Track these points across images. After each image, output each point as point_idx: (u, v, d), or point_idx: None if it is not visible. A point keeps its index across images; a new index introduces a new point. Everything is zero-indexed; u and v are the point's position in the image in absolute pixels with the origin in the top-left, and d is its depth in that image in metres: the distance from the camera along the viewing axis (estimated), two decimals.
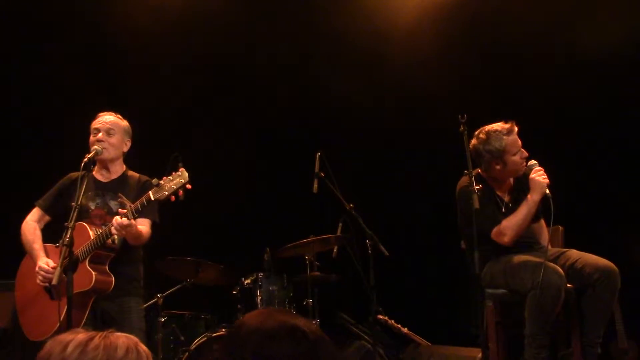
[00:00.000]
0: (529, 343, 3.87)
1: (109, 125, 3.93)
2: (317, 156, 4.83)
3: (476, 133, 4.15)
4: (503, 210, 4.16)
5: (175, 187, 3.42)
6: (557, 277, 3.79)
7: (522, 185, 4.17)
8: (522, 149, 4.10)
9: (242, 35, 6.19)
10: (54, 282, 3.37)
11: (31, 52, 5.95)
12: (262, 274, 5.18)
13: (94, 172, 3.96)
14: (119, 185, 3.91)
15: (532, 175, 4.03)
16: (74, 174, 3.95)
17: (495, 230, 4.05)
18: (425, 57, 5.95)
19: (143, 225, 3.73)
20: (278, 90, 6.28)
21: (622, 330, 4.38)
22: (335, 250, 5.33)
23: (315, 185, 4.76)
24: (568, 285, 3.96)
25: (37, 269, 3.74)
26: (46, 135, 5.91)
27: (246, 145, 6.28)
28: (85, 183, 3.59)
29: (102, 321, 3.75)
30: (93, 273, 3.61)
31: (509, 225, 4.02)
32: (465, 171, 3.89)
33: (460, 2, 5.92)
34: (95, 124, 3.95)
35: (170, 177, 3.45)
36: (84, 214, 3.78)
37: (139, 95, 6.02)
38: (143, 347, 1.53)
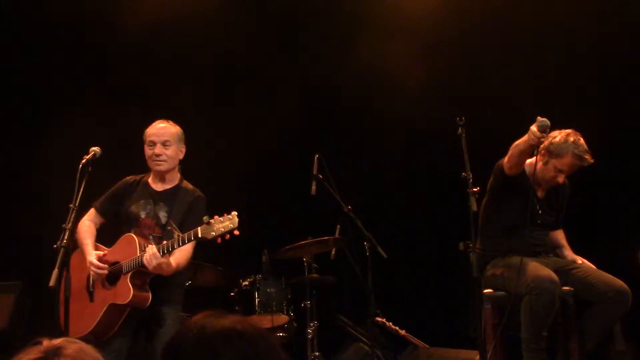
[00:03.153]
0: (525, 347, 3.89)
1: (166, 137, 3.86)
2: (316, 158, 4.83)
3: (570, 131, 4.10)
4: (538, 206, 4.17)
5: (224, 230, 3.41)
6: (551, 284, 3.81)
7: (557, 189, 4.27)
8: (563, 176, 4.09)
9: (242, 33, 6.18)
10: (51, 283, 3.37)
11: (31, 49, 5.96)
12: (260, 276, 5.19)
13: (149, 180, 3.94)
14: (171, 196, 3.87)
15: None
16: (129, 178, 4.00)
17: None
18: (424, 57, 5.95)
19: (183, 251, 3.67)
20: (277, 92, 6.28)
21: (620, 332, 4.38)
22: (333, 253, 5.33)
23: (314, 187, 4.76)
24: (568, 288, 3.99)
25: (87, 263, 3.76)
26: (42, 137, 5.89)
27: (244, 146, 6.27)
28: (83, 186, 3.57)
29: (138, 326, 3.77)
30: (132, 290, 3.60)
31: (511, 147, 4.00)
32: (463, 174, 3.90)
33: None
34: (151, 135, 3.88)
35: (221, 219, 3.43)
36: (133, 222, 3.81)
37: (137, 94, 6.02)
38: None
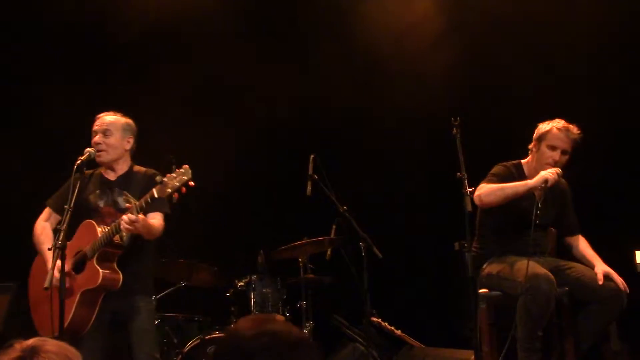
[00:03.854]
0: (520, 346, 3.89)
1: (106, 126, 3.89)
2: (311, 158, 4.84)
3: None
4: (536, 206, 4.18)
5: (178, 184, 3.41)
6: (547, 284, 3.81)
7: (554, 193, 4.23)
8: (559, 153, 4.11)
9: (240, 34, 6.18)
10: (46, 284, 3.38)
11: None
12: (255, 276, 5.18)
13: (101, 171, 3.96)
14: (125, 182, 3.90)
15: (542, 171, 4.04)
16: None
17: (482, 184, 4.10)
18: (419, 59, 5.96)
19: (154, 219, 3.73)
20: (273, 91, 6.27)
21: (615, 332, 4.39)
22: (329, 253, 5.34)
23: (309, 188, 4.76)
24: (565, 288, 4.00)
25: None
26: (41, 138, 5.88)
27: (240, 147, 6.27)
28: (77, 187, 3.59)
29: (112, 320, 3.77)
30: (100, 271, 3.61)
31: (492, 187, 4.05)
32: (458, 174, 3.90)
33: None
34: (94, 126, 3.92)
35: (174, 175, 3.44)
36: (93, 213, 3.80)
37: (135, 93, 6.01)
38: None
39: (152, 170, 3.93)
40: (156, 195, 3.47)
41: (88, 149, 3.79)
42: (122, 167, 3.96)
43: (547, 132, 4.15)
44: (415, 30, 5.95)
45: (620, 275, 4.05)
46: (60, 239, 3.38)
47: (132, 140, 3.96)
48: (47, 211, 3.99)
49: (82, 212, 3.80)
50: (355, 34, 6.14)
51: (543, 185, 3.95)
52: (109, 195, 3.88)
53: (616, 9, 5.51)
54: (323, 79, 6.14)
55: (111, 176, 3.95)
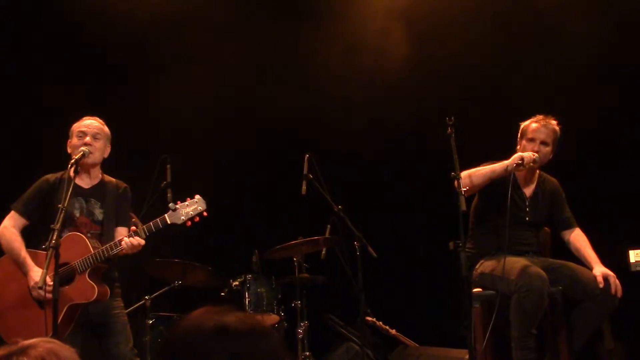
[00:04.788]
0: (515, 345, 3.90)
1: (96, 130, 3.93)
2: (306, 158, 4.84)
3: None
4: (527, 203, 4.22)
5: (193, 214, 3.60)
6: (540, 282, 3.82)
7: (545, 192, 4.30)
8: (538, 144, 4.18)
9: (235, 35, 6.17)
10: (40, 283, 3.37)
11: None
12: (250, 275, 5.18)
13: (73, 177, 3.85)
14: (99, 192, 3.93)
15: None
16: (50, 176, 3.93)
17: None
18: (415, 56, 5.96)
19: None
20: (267, 91, 6.27)
21: (609, 330, 4.40)
22: (323, 252, 5.34)
23: (304, 187, 4.76)
24: (559, 287, 4.00)
25: (32, 284, 3.69)
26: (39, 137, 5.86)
27: (234, 146, 6.27)
28: (72, 185, 3.57)
29: (83, 324, 3.77)
30: (95, 286, 3.65)
31: (472, 171, 4.12)
32: (452, 173, 3.91)
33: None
34: (81, 127, 3.92)
35: (187, 204, 3.59)
36: (68, 221, 3.75)
37: (128, 96, 6.00)
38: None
39: (123, 184, 4.03)
40: (169, 222, 3.61)
41: (82, 147, 3.79)
42: (97, 175, 3.98)
43: (526, 127, 4.27)
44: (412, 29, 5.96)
45: (616, 273, 4.06)
46: (55, 238, 3.35)
47: (109, 150, 4.01)
48: (13, 215, 3.90)
49: (55, 219, 3.73)
50: (353, 32, 6.14)
51: (519, 162, 4.02)
52: (84, 205, 3.87)
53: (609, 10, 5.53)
54: (320, 78, 6.14)
55: (84, 184, 3.93)
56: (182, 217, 3.57)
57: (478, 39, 5.84)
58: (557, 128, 4.25)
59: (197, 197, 3.61)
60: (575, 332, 4.03)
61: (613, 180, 5.45)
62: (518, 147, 4.31)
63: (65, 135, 4.01)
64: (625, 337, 4.70)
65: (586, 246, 4.27)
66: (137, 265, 4.70)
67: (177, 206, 3.57)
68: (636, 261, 4.39)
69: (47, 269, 3.32)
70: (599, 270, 4.03)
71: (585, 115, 5.34)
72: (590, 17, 5.45)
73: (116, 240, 3.70)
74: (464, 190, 3.84)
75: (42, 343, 1.50)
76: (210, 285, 5.40)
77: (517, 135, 4.34)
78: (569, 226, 4.39)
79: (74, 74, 5.90)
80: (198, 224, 5.99)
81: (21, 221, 3.89)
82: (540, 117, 4.27)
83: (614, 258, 4.40)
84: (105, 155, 4.00)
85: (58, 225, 3.39)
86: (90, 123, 3.95)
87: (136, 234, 3.65)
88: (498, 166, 4.09)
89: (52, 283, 3.37)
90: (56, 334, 3.35)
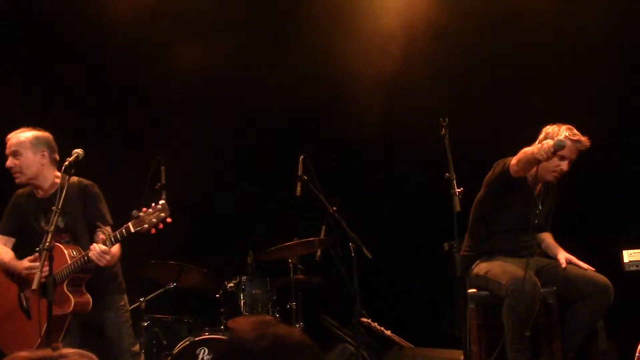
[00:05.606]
0: (509, 347, 3.91)
1: (14, 148, 3.82)
2: (301, 159, 4.84)
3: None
4: (540, 208, 4.18)
5: (156, 220, 3.44)
6: (530, 286, 3.82)
7: (550, 194, 4.27)
8: (567, 164, 4.01)
9: (229, 36, 6.17)
10: (34, 286, 3.36)
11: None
12: (245, 277, 5.16)
13: (33, 190, 3.90)
14: (55, 199, 3.70)
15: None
16: (20, 191, 3.95)
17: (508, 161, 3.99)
18: (411, 57, 5.97)
19: (115, 247, 3.68)
20: (261, 93, 6.27)
21: (603, 331, 4.41)
22: (318, 253, 5.34)
23: (299, 188, 4.76)
24: (549, 288, 4.01)
25: (25, 272, 3.71)
26: None
27: (229, 147, 6.26)
28: (67, 186, 3.54)
29: (85, 322, 3.77)
30: (72, 297, 3.61)
31: (518, 157, 3.89)
32: (447, 174, 3.91)
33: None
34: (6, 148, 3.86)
35: (151, 210, 3.46)
36: (39, 235, 3.60)
37: (119, 97, 5.99)
38: None
39: (86, 181, 3.89)
40: (132, 230, 3.48)
41: (76, 150, 3.76)
42: (49, 182, 3.88)
43: (560, 140, 3.81)
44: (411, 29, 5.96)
45: (608, 275, 4.08)
46: (48, 240, 3.34)
47: (47, 153, 3.86)
48: None
49: (28, 234, 3.81)
50: (352, 33, 6.13)
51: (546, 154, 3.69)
52: (45, 216, 3.80)
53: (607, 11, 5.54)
54: (309, 77, 6.14)
55: (41, 194, 3.88)
56: (146, 226, 3.43)
57: (477, 40, 5.85)
58: (585, 149, 4.04)
59: (162, 202, 3.47)
60: (570, 332, 4.03)
61: (607, 181, 5.46)
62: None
63: None
64: (619, 337, 4.71)
65: (552, 240, 4.37)
66: (133, 268, 4.71)
67: (141, 214, 3.44)
68: (630, 261, 4.39)
69: (41, 271, 3.32)
70: (563, 255, 4.16)
71: (581, 116, 5.35)
72: (591, 17, 5.46)
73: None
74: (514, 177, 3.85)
75: (80, 356, 1.51)
76: (205, 287, 5.40)
77: (539, 136, 4.06)
78: (547, 230, 4.41)
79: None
80: (193, 226, 6.06)
81: (6, 240, 3.91)
82: (574, 131, 4.00)
83: (608, 258, 4.42)
84: (45, 161, 3.84)
85: (52, 227, 3.38)
86: (9, 142, 3.85)
87: (104, 242, 3.57)
88: (537, 153, 3.74)
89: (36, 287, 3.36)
90: (46, 342, 3.37)
